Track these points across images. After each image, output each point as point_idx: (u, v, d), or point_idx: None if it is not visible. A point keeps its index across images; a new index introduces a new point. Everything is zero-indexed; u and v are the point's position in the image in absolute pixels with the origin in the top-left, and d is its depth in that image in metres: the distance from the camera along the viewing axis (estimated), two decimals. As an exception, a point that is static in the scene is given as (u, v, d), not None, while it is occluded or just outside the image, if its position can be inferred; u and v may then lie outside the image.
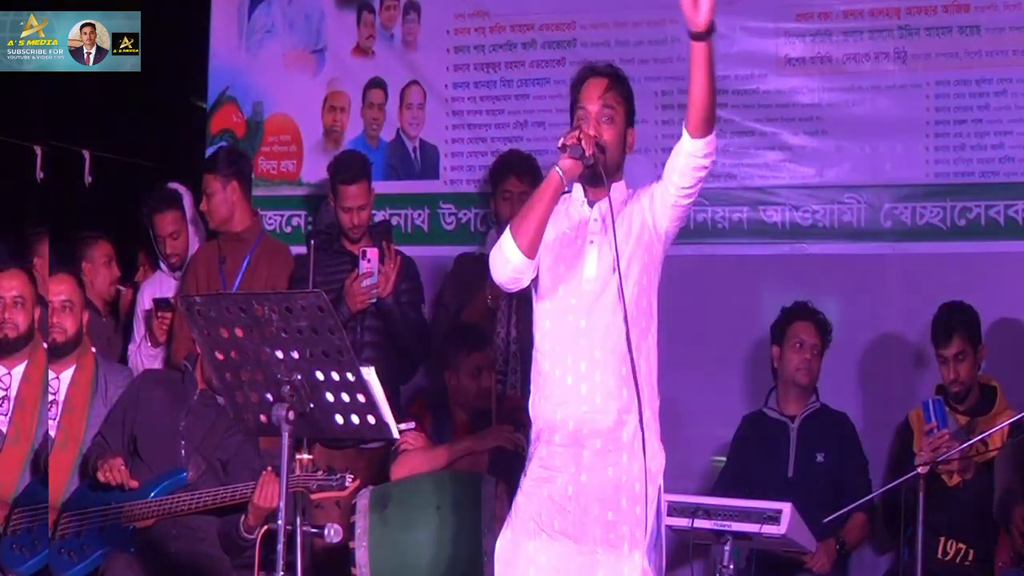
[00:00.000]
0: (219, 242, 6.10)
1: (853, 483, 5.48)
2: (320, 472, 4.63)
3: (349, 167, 5.90)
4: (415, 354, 5.92)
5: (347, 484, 4.65)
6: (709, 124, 3.78)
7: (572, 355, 3.92)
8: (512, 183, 5.91)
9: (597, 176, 3.91)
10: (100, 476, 5.04)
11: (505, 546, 3.98)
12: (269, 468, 4.75)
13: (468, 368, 5.50)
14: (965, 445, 5.10)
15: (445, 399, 5.64)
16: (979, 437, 5.10)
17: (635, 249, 3.94)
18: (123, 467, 5.03)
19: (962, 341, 5.41)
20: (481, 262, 5.47)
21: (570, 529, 3.91)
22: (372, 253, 5.69)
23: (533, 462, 3.99)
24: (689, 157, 3.82)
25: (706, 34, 3.64)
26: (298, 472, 4.52)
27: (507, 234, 3.95)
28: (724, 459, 5.81)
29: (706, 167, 3.85)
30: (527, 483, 3.99)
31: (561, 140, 3.87)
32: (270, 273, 5.94)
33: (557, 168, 3.89)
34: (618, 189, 4.00)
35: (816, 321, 5.63)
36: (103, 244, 6.59)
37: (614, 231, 3.89)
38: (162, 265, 6.47)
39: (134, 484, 5.05)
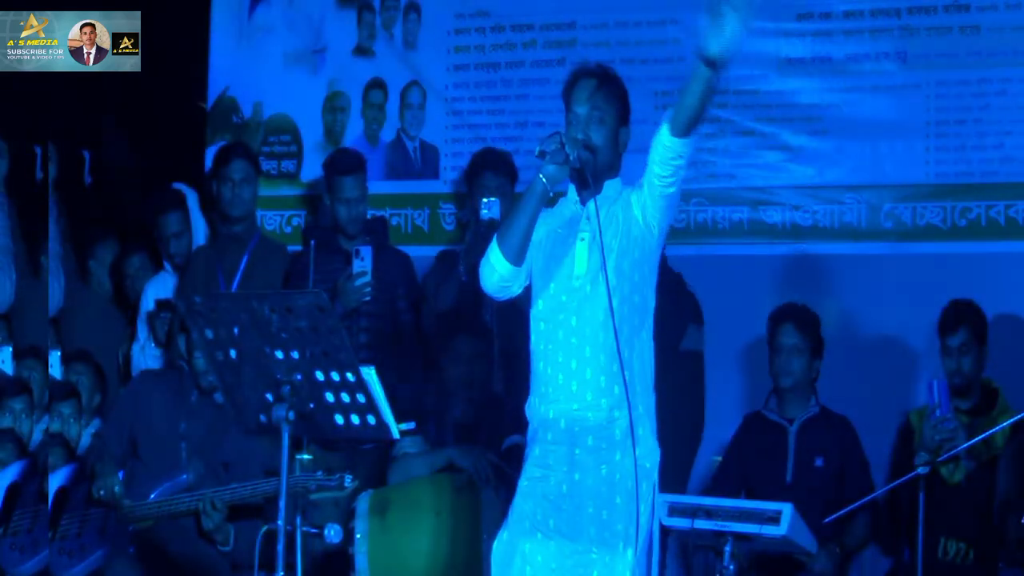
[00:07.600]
0: (216, 244, 6.09)
1: (855, 486, 5.47)
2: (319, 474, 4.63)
3: (345, 159, 5.94)
4: (415, 354, 5.91)
5: (346, 484, 4.65)
6: (692, 128, 3.77)
7: (563, 352, 3.93)
8: (487, 178, 5.90)
9: (584, 179, 3.90)
10: (93, 492, 5.05)
11: (501, 546, 3.98)
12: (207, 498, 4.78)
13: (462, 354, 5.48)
14: (966, 445, 5.10)
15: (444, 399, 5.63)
16: (981, 436, 5.10)
17: (626, 245, 3.93)
18: (116, 490, 5.01)
19: (967, 333, 5.42)
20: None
21: (565, 528, 3.91)
22: (366, 251, 5.68)
23: (528, 461, 4.00)
24: (667, 150, 3.81)
25: (714, 65, 3.62)
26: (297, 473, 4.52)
27: (493, 244, 3.95)
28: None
29: (684, 158, 3.83)
30: (523, 482, 3.99)
31: (539, 148, 3.85)
32: (268, 273, 5.94)
33: (540, 175, 3.88)
34: (613, 187, 4.00)
35: (798, 321, 5.57)
36: (109, 242, 6.60)
37: (599, 227, 3.88)
38: (166, 265, 6.47)
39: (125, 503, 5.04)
